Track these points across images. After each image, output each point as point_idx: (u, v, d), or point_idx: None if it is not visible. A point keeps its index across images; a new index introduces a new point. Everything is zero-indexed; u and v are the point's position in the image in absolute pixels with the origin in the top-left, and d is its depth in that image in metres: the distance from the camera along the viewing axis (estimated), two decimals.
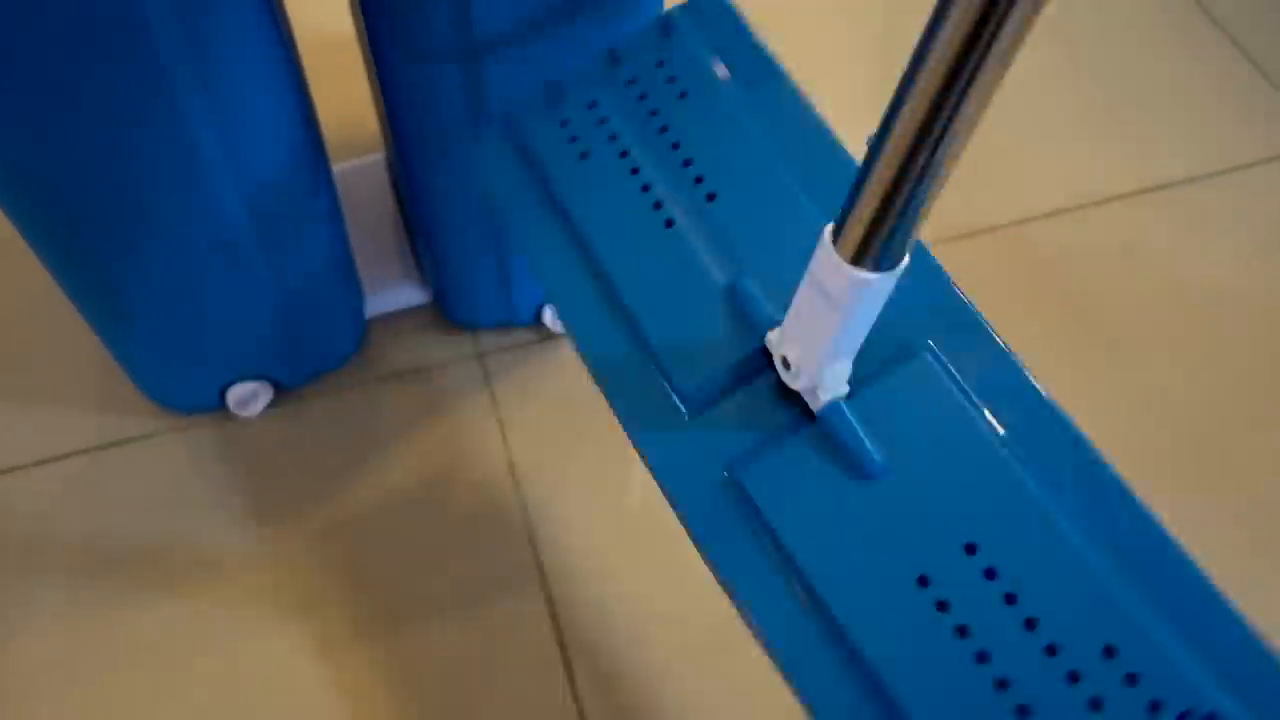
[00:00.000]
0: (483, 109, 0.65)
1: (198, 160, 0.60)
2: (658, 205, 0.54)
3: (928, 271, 0.49)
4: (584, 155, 0.56)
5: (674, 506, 0.49)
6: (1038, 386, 0.47)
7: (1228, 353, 0.89)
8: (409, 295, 0.89)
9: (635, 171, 0.55)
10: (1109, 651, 0.42)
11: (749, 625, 0.47)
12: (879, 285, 0.40)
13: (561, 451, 0.83)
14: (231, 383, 0.81)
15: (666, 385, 0.51)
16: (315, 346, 0.83)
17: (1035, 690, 0.42)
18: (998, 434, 0.46)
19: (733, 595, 0.47)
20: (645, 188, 0.54)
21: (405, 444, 0.83)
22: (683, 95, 0.56)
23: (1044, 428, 0.46)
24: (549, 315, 0.86)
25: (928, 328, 0.48)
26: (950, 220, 0.95)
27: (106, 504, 0.80)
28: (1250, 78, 1.05)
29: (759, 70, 0.56)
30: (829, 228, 0.40)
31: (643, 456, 0.50)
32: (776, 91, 0.56)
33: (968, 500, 0.45)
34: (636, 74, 0.58)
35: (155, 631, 0.75)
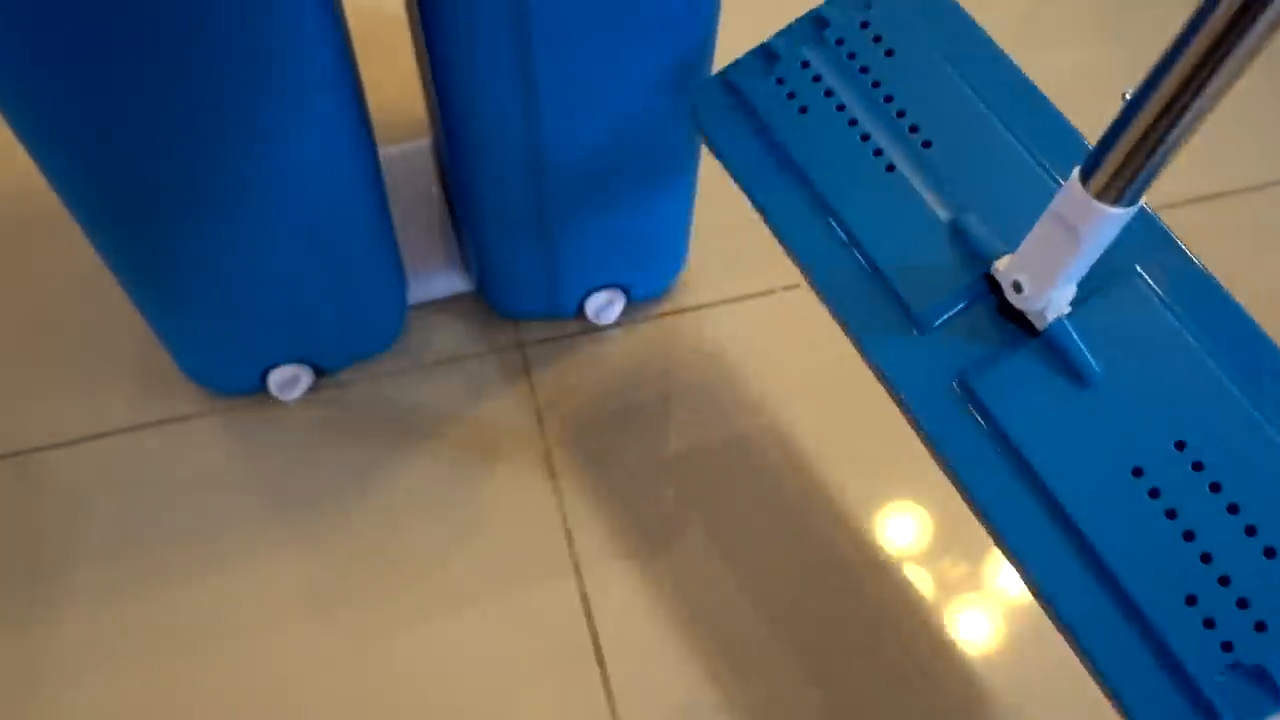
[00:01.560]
0: (536, 95, 0.67)
1: (253, 151, 0.63)
2: (878, 153, 0.61)
3: None
4: (803, 110, 0.63)
5: (908, 410, 0.57)
6: (1234, 299, 0.54)
7: None
8: (452, 283, 0.90)
9: (853, 123, 0.62)
10: None
11: (979, 516, 0.55)
12: (1119, 218, 0.47)
13: (598, 445, 0.83)
14: (273, 366, 0.82)
15: (897, 305, 0.58)
16: (357, 332, 0.84)
17: (1235, 562, 0.50)
18: (1201, 343, 0.53)
19: (964, 489, 0.55)
20: (865, 137, 0.62)
21: (443, 432, 0.84)
22: (889, 53, 0.63)
23: (1241, 336, 0.53)
24: (592, 307, 0.87)
25: (1135, 253, 0.55)
26: None
27: (146, 483, 0.81)
28: None
29: (958, 28, 0.63)
30: (1077, 169, 0.47)
31: (876, 367, 0.58)
32: (975, 45, 0.62)
33: (1177, 403, 0.52)
34: (843, 35, 0.64)
35: (191, 614, 0.76)
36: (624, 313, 0.89)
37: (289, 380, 0.82)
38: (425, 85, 0.76)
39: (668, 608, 0.76)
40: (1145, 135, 0.44)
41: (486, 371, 0.87)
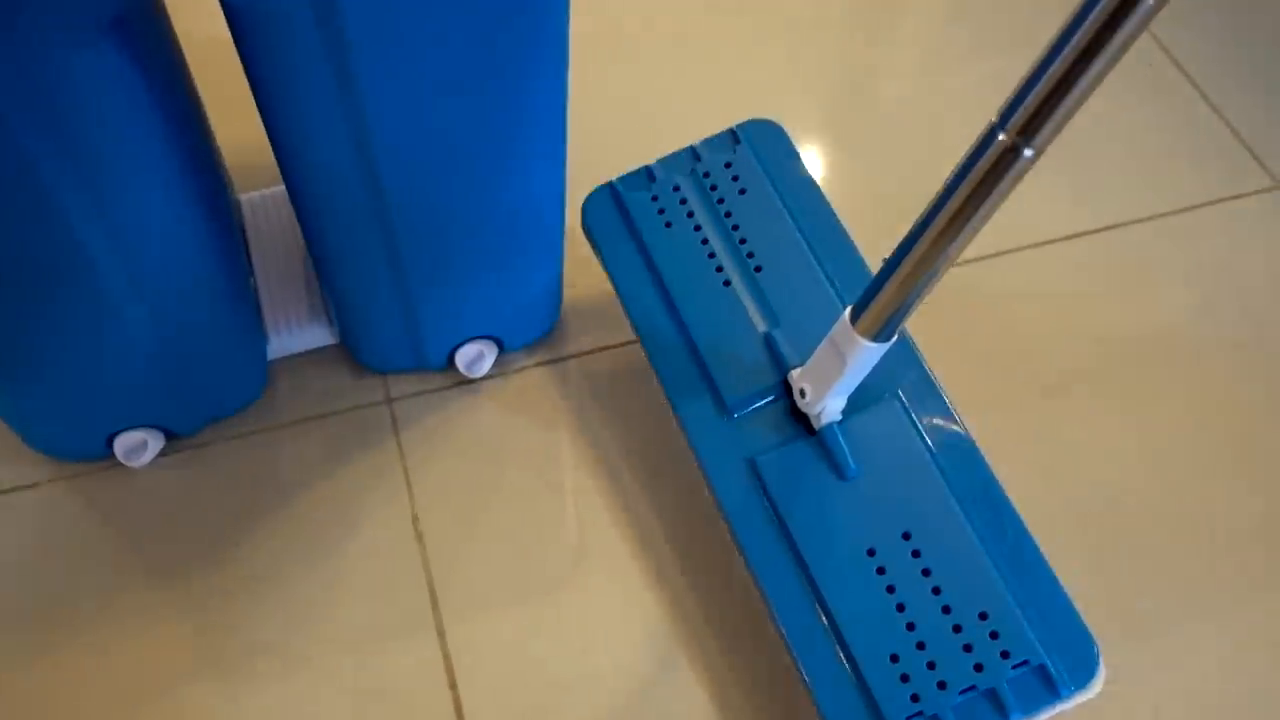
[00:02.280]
0: (368, 141, 0.62)
1: (82, 218, 0.59)
2: (719, 269, 0.75)
3: (902, 340, 0.71)
4: (668, 225, 0.78)
5: (708, 477, 0.70)
6: (964, 430, 0.69)
7: (1165, 398, 0.87)
8: (316, 335, 0.84)
9: (705, 242, 0.77)
10: (983, 615, 0.63)
11: (751, 574, 0.68)
12: (876, 351, 0.62)
13: (468, 506, 0.80)
14: (119, 431, 0.77)
15: (712, 393, 0.72)
16: (212, 392, 0.79)
17: (931, 632, 0.63)
18: (935, 459, 0.68)
19: (741, 549, 0.68)
20: (711, 255, 0.76)
21: (304, 494, 0.80)
22: (743, 191, 0.78)
23: (966, 459, 0.68)
24: (462, 361, 0.83)
25: (897, 380, 0.70)
26: None
27: None
28: (1207, 120, 1.05)
29: (798, 182, 0.78)
30: (848, 309, 0.62)
31: (691, 441, 0.71)
32: (811, 199, 0.78)
33: (910, 502, 0.67)
34: (710, 169, 0.79)
35: (33, 692, 0.71)
36: (498, 363, 0.86)
37: (136, 446, 0.78)
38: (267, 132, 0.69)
39: (537, 678, 0.74)
40: (896, 296, 0.58)
41: (352, 429, 0.83)
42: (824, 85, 1.06)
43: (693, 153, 0.80)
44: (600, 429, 0.83)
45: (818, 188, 0.78)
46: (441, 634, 0.74)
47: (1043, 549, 0.65)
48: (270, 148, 0.65)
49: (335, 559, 0.77)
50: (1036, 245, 0.95)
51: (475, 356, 0.83)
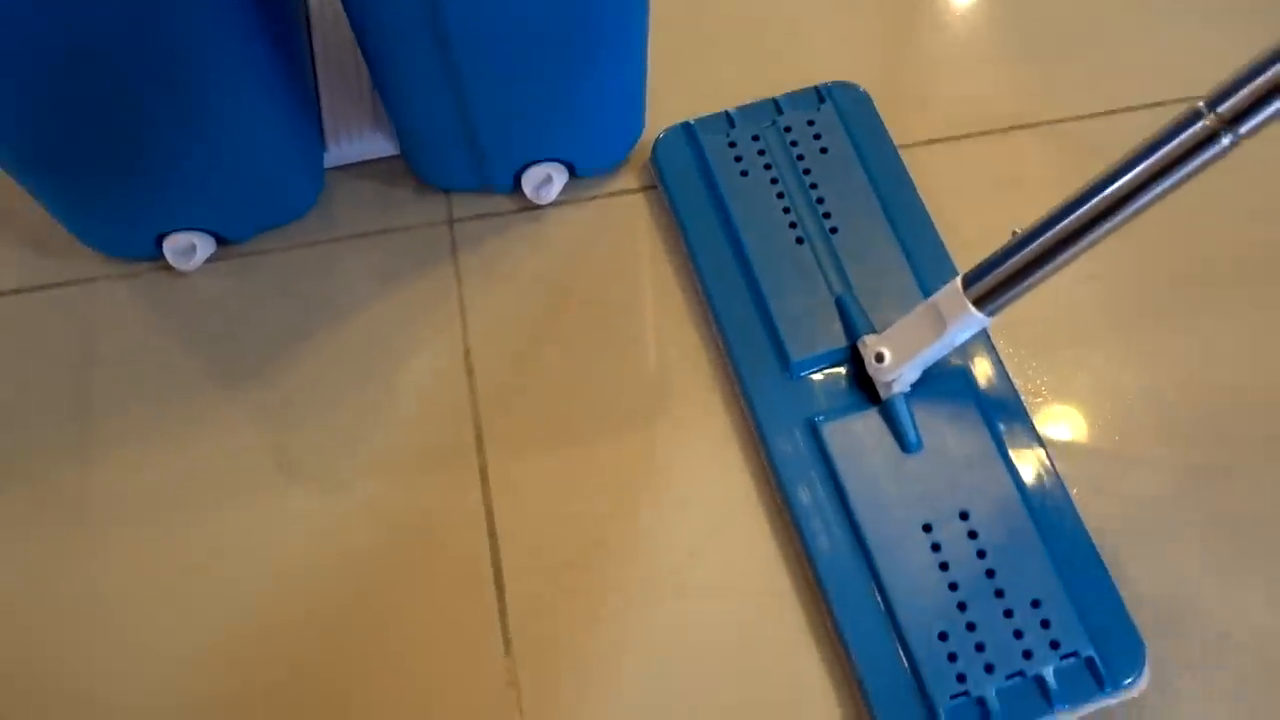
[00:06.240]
0: None
1: (140, 21, 0.57)
2: (793, 225, 0.74)
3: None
4: (744, 173, 0.75)
5: (761, 432, 0.68)
6: (1030, 418, 0.69)
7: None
8: (378, 145, 0.80)
9: (780, 195, 0.75)
10: (1035, 603, 0.63)
11: (798, 535, 0.66)
12: (980, 322, 0.61)
13: (521, 345, 0.76)
14: (168, 232, 0.76)
15: (776, 351, 0.70)
16: (266, 197, 0.76)
17: (982, 614, 0.63)
18: (999, 444, 0.67)
19: (790, 509, 0.67)
20: (786, 210, 0.74)
21: (355, 313, 0.77)
22: (824, 150, 0.76)
23: (1029, 446, 0.68)
24: (529, 184, 0.78)
25: (967, 359, 0.69)
26: (1020, 103, 0.85)
27: (37, 347, 0.76)
28: None
29: (883, 150, 0.77)
30: (960, 276, 0.61)
31: (748, 398, 0.69)
32: (895, 170, 0.77)
33: (970, 482, 0.66)
34: (792, 124, 0.77)
35: (61, 497, 0.72)
36: (568, 190, 0.80)
37: (185, 248, 0.76)
38: None
39: (568, 515, 0.71)
40: (1022, 270, 0.57)
41: (409, 249, 0.79)
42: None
43: (775, 105, 0.78)
44: (673, 275, 0.77)
45: (902, 160, 0.77)
46: (484, 474, 0.72)
47: None
48: None
49: (382, 384, 0.75)
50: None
51: (542, 180, 0.77)
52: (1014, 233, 0.58)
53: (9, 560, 0.70)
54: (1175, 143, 0.49)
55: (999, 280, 0.59)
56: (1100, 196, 0.53)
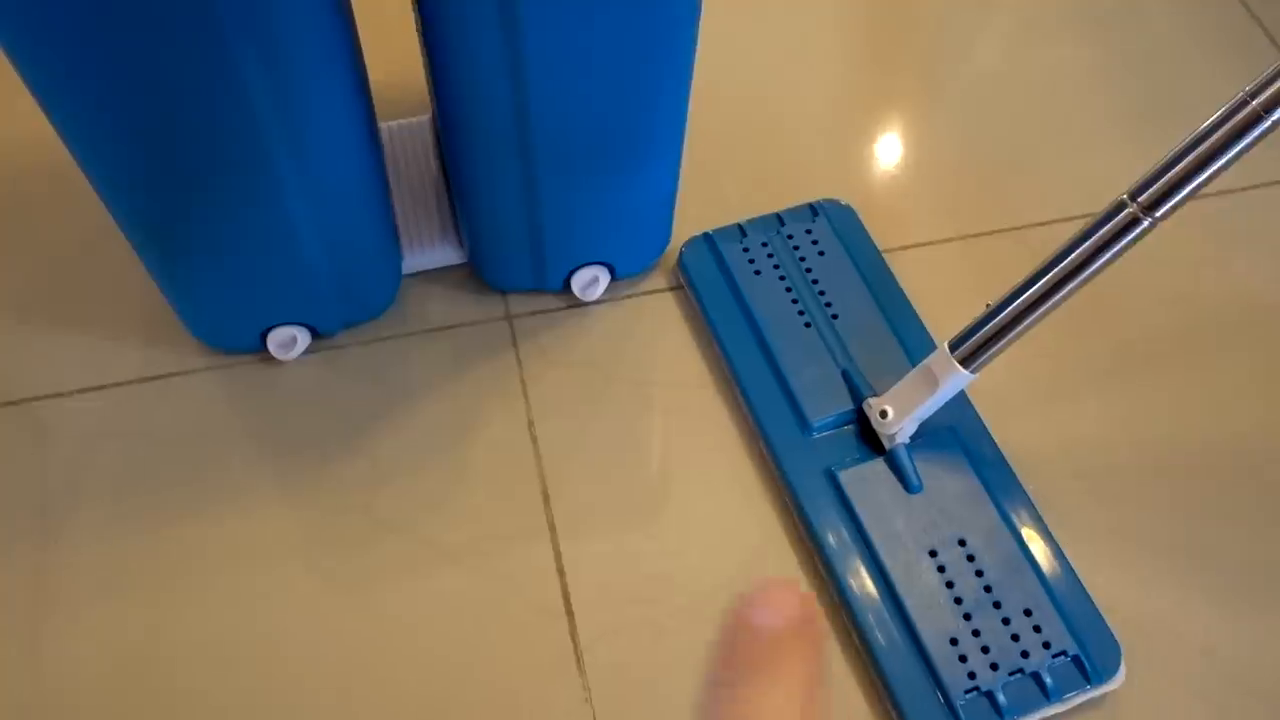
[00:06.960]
0: (523, 76, 0.70)
1: (265, 120, 0.66)
2: (801, 313, 0.89)
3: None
4: (758, 273, 0.91)
5: (789, 483, 0.82)
6: (1007, 461, 0.83)
7: (1237, 366, 0.93)
8: (446, 255, 0.92)
9: (789, 290, 0.90)
10: (1027, 612, 0.76)
11: (825, 569, 0.79)
12: (966, 379, 0.75)
13: (577, 415, 0.87)
14: (273, 326, 0.85)
15: (795, 414, 0.84)
16: (354, 297, 0.86)
17: (984, 622, 0.76)
18: (985, 483, 0.81)
19: (818, 549, 0.80)
20: (794, 301, 0.89)
21: (431, 395, 0.87)
22: (821, 253, 0.92)
23: (1007, 483, 0.82)
24: (578, 284, 0.90)
25: (956, 418, 0.84)
26: (978, 216, 1.00)
27: (147, 433, 0.85)
28: None
29: (870, 254, 0.93)
30: (946, 342, 0.76)
31: (774, 452, 0.83)
32: (880, 269, 0.92)
33: (966, 516, 0.80)
34: (793, 234, 0.93)
35: (182, 551, 0.80)
36: (609, 289, 0.92)
37: (288, 340, 0.85)
38: (424, 59, 0.78)
39: (639, 572, 0.81)
40: (997, 333, 0.73)
41: (475, 341, 0.91)
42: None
43: (778, 219, 0.94)
44: (700, 359, 0.91)
45: (885, 261, 0.93)
46: (553, 528, 0.82)
47: None
48: (421, 77, 0.76)
49: (458, 455, 0.85)
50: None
51: (590, 280, 0.90)
52: (987, 305, 0.73)
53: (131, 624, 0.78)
54: (1106, 228, 0.65)
55: (979, 342, 0.74)
56: (1053, 271, 0.68)
